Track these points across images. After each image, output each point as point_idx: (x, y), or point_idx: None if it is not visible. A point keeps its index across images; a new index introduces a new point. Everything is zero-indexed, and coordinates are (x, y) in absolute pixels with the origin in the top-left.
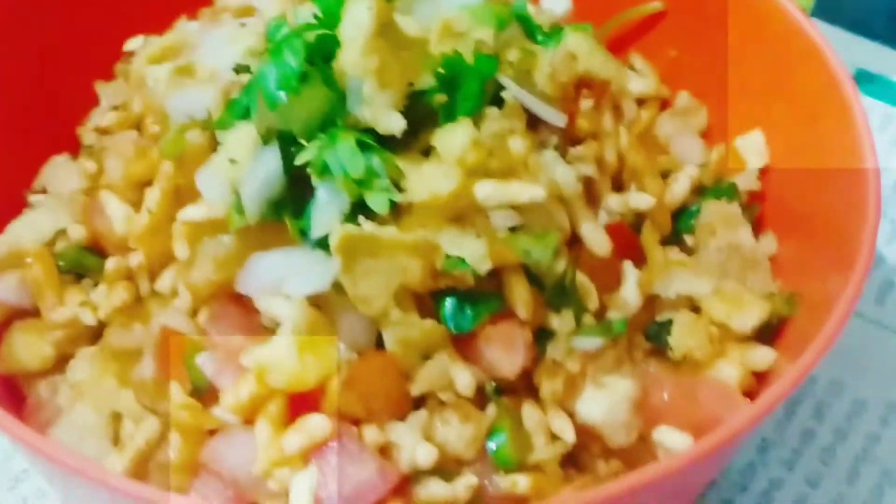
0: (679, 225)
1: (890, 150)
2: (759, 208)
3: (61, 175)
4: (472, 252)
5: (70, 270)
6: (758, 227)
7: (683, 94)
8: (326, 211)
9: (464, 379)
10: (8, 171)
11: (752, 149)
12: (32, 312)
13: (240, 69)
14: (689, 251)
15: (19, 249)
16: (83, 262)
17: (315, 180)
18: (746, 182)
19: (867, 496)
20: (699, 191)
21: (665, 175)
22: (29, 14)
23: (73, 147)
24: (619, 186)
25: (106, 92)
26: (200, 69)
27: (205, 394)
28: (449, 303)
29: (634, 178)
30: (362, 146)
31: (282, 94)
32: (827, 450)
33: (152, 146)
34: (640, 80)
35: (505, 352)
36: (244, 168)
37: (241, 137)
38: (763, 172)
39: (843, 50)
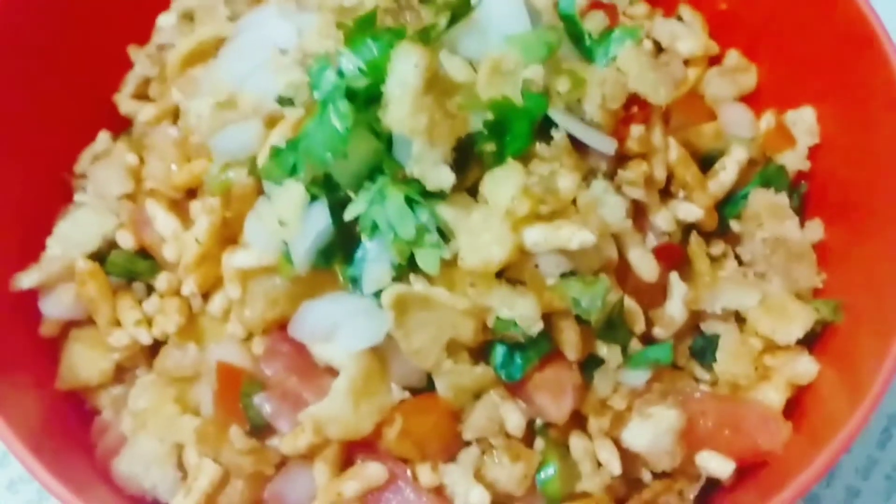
0: (725, 211)
1: None
2: (807, 187)
3: (104, 175)
4: (523, 313)
5: (121, 276)
6: (804, 208)
7: (733, 53)
8: (377, 268)
9: (514, 420)
10: (51, 139)
11: (803, 126)
12: (88, 321)
13: (283, 101)
14: (735, 239)
15: (71, 265)
16: (133, 269)
17: (365, 239)
18: (795, 161)
19: None
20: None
21: (710, 157)
22: None
23: (111, 113)
24: (665, 189)
25: (139, 57)
26: (242, 102)
27: (263, 430)
28: (499, 350)
29: (683, 188)
30: (410, 201)
31: (329, 155)
32: None
33: (189, 143)
34: (688, 39)
35: (554, 398)
36: (294, 229)
37: (290, 197)
38: (811, 150)
39: None
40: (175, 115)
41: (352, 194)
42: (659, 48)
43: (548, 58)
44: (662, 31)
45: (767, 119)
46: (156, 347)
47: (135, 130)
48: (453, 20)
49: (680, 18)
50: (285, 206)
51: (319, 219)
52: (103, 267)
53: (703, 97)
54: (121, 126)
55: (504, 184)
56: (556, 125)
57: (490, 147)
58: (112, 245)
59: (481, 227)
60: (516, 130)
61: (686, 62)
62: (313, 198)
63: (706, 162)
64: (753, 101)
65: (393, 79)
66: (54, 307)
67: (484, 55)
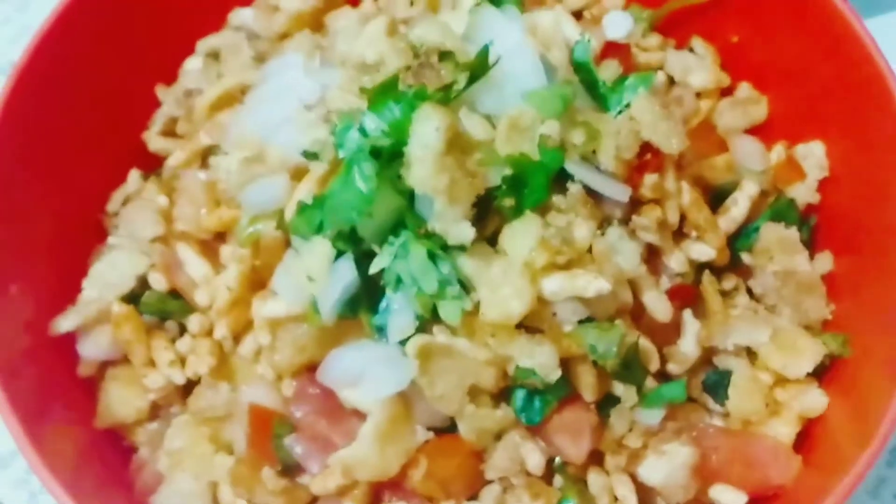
0: (737, 244)
1: None
2: (816, 219)
3: (136, 217)
4: (542, 363)
5: (154, 315)
6: (813, 241)
7: (744, 86)
8: (402, 318)
9: (534, 459)
10: (83, 179)
11: (813, 160)
12: (123, 359)
13: (309, 156)
14: (747, 271)
15: (107, 308)
16: (166, 308)
17: (389, 292)
18: (805, 194)
19: None
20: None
21: (723, 190)
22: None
23: (141, 150)
24: (678, 229)
25: (167, 97)
26: (270, 157)
27: (294, 469)
28: (519, 395)
29: (696, 229)
30: (432, 256)
31: (354, 214)
32: None
33: (218, 188)
34: (700, 72)
35: (572, 440)
36: (321, 284)
37: (317, 253)
38: (821, 182)
39: None
40: (204, 157)
41: (376, 248)
42: (672, 80)
43: (563, 112)
44: (675, 64)
45: (778, 151)
46: (189, 384)
47: (164, 171)
48: (472, 79)
49: (692, 50)
50: (313, 262)
51: (346, 273)
52: (136, 306)
53: (716, 127)
54: (150, 163)
55: (522, 236)
56: (572, 177)
57: (509, 202)
58: (145, 284)
59: (501, 280)
60: (533, 184)
61: (698, 94)
62: (339, 253)
63: (719, 194)
64: (764, 132)
65: (415, 141)
66: (92, 349)
67: (502, 111)
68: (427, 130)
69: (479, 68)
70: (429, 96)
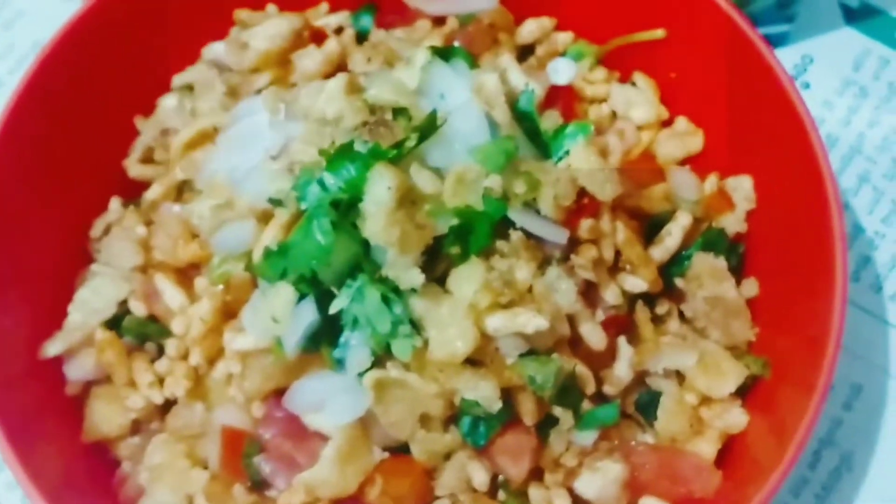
0: (671, 270)
1: (888, 98)
2: (744, 247)
3: (117, 247)
4: (484, 395)
5: (134, 338)
6: (742, 267)
7: (682, 120)
8: (358, 354)
9: (480, 477)
10: (70, 203)
11: (741, 193)
12: (106, 379)
13: (274, 202)
14: (680, 295)
15: (91, 333)
16: (145, 332)
17: (347, 332)
18: (734, 224)
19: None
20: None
21: (659, 219)
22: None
23: (121, 176)
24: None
25: (145, 127)
26: (238, 204)
27: (262, 485)
28: (466, 421)
29: (629, 264)
30: (386, 299)
31: (314, 263)
32: None
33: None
34: (641, 107)
35: (514, 461)
36: (285, 325)
37: (281, 297)
38: (748, 213)
39: None
40: (180, 191)
41: (335, 290)
42: (614, 114)
43: (506, 166)
44: (618, 98)
45: (711, 182)
46: (168, 402)
47: (143, 203)
48: (422, 137)
49: (634, 84)
50: (277, 306)
51: (307, 315)
52: (118, 329)
53: (655, 157)
54: (132, 188)
55: (467, 280)
56: (514, 223)
57: (455, 249)
58: (126, 308)
59: (448, 321)
60: (478, 232)
61: (639, 126)
62: (302, 295)
63: (655, 223)
64: (698, 164)
65: (369, 198)
66: (77, 371)
67: (450, 165)
68: (380, 189)
69: (429, 129)
70: (382, 154)
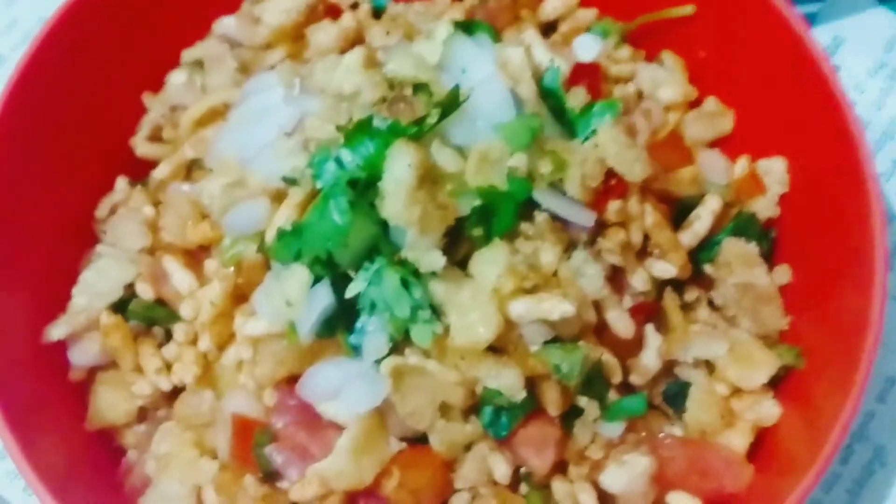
0: (700, 256)
1: None
2: (776, 233)
3: (123, 228)
4: (507, 384)
5: (141, 321)
6: (773, 253)
7: (711, 100)
8: (376, 339)
9: (501, 469)
10: (74, 182)
11: (774, 176)
12: (112, 364)
13: (288, 181)
14: (709, 282)
15: (96, 317)
16: (153, 316)
17: (363, 316)
18: (766, 208)
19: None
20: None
21: (687, 203)
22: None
23: (128, 155)
24: (643, 247)
25: (153, 104)
26: (251, 182)
27: (274, 475)
28: (487, 411)
29: (658, 249)
30: (405, 282)
31: (330, 244)
32: None
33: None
34: (669, 86)
35: (537, 452)
36: (299, 309)
37: (295, 279)
38: (781, 197)
39: None
40: (189, 170)
41: (352, 273)
42: (640, 94)
43: (531, 144)
44: (645, 77)
45: (742, 165)
46: (176, 389)
47: (150, 182)
48: (444, 114)
49: (661, 63)
50: (291, 288)
51: (323, 298)
52: (124, 313)
53: (683, 139)
54: (139, 168)
55: (491, 264)
56: (540, 205)
57: (478, 231)
58: (132, 291)
59: (470, 306)
60: (502, 213)
61: (667, 107)
62: (317, 278)
63: (684, 207)
64: (729, 146)
65: (388, 176)
66: (82, 356)
67: (473, 143)
68: (400, 167)
69: (451, 104)
70: (402, 131)
